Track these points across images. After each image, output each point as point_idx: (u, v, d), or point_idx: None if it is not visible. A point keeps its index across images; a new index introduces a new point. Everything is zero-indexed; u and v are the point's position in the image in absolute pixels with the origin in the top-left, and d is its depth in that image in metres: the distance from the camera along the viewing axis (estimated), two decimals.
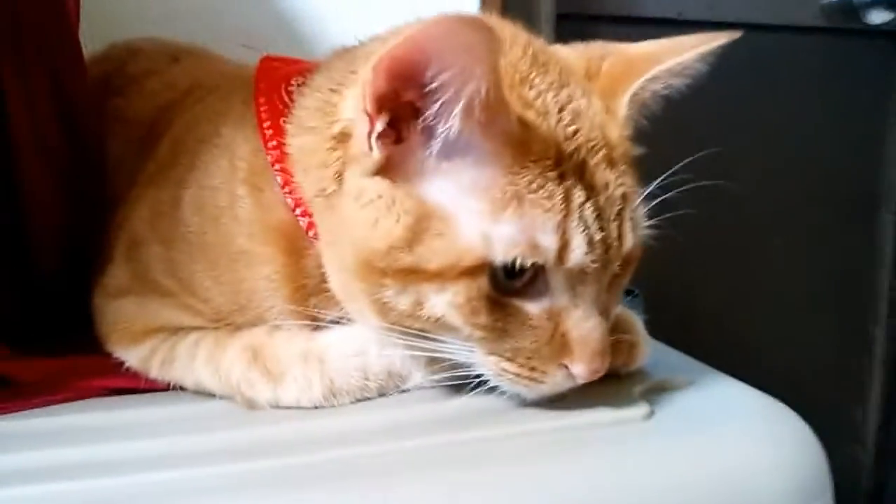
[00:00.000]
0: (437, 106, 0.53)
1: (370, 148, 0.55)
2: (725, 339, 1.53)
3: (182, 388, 0.67)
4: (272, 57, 0.72)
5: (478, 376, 0.60)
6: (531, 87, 0.58)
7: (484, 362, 0.59)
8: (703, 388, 0.67)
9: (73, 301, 0.75)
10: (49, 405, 0.66)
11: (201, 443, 0.58)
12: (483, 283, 0.55)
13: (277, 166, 0.63)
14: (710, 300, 1.63)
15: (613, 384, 0.65)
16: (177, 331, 0.68)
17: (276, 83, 0.67)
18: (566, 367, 0.58)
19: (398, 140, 0.55)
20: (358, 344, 0.63)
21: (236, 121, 0.68)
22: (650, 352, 0.69)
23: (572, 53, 0.66)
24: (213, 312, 0.67)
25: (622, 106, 0.62)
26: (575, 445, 0.58)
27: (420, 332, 0.58)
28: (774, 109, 1.63)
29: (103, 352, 0.70)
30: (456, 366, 0.60)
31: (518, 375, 0.58)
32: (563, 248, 0.55)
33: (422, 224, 0.54)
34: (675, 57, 0.62)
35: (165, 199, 0.69)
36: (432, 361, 0.63)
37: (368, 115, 0.54)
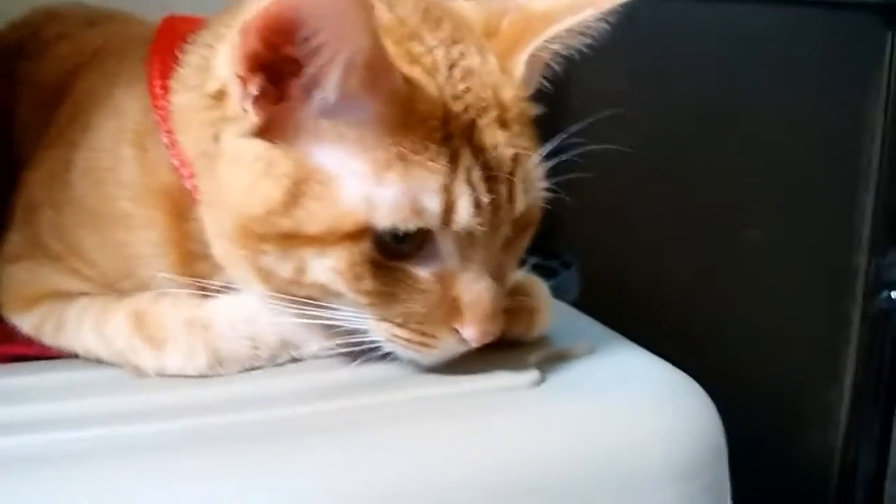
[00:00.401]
0: (313, 67, 0.52)
1: (244, 110, 0.53)
2: (697, 318, 1.52)
3: (75, 356, 0.66)
4: (176, 16, 0.71)
5: (372, 342, 0.59)
6: (420, 43, 0.56)
7: (376, 328, 0.57)
8: (603, 356, 0.66)
9: None
10: None
11: (88, 406, 0.57)
12: (366, 247, 0.53)
13: (164, 126, 0.61)
14: (679, 277, 1.62)
15: (510, 352, 0.63)
16: (67, 296, 0.67)
17: (172, 41, 0.65)
18: (457, 330, 0.57)
19: (278, 99, 0.54)
20: (247, 311, 0.62)
21: (129, 80, 0.66)
22: (552, 319, 0.68)
23: (472, 10, 0.64)
24: (101, 278, 0.65)
25: (518, 66, 0.60)
26: (457, 412, 0.57)
27: (309, 300, 0.57)
28: (756, 84, 1.59)
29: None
30: (349, 332, 0.59)
31: (409, 341, 0.57)
32: (449, 210, 0.53)
33: (301, 187, 0.53)
34: (574, 16, 0.60)
35: (59, 162, 0.68)
36: (327, 329, 0.61)
37: (240, 77, 0.52)
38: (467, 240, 0.55)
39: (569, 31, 0.60)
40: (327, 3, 0.48)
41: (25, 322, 0.67)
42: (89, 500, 0.47)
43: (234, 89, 0.53)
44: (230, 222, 0.55)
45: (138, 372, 0.62)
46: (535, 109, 0.62)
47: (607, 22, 0.61)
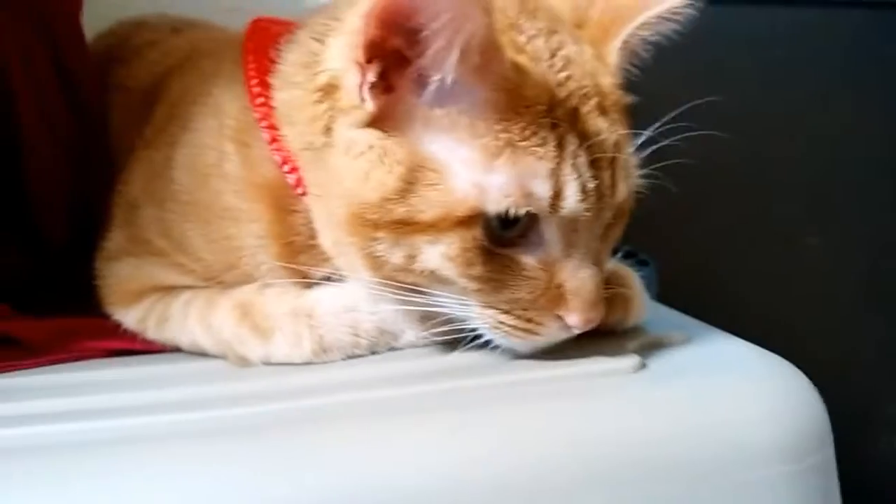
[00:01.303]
0: (431, 52, 0.52)
1: (362, 99, 0.55)
2: (764, 326, 1.50)
3: (178, 350, 0.68)
4: (263, 18, 0.73)
5: (472, 331, 0.60)
6: (521, 32, 0.57)
7: (480, 315, 0.58)
8: (700, 344, 0.66)
9: (82, 268, 0.76)
10: (52, 364, 0.67)
11: (196, 392, 0.59)
12: (477, 233, 0.54)
13: (265, 122, 0.63)
14: (751, 286, 1.60)
15: (607, 339, 0.64)
16: (170, 290, 0.69)
17: (264, 42, 0.67)
18: (561, 317, 0.57)
19: (387, 89, 0.55)
20: (348, 300, 0.63)
21: (226, 80, 0.68)
22: (647, 309, 0.68)
23: (559, 1, 0.65)
24: (205, 271, 0.67)
25: (612, 54, 0.61)
26: (561, 395, 0.57)
27: (414, 287, 0.58)
28: (809, 87, 1.56)
29: (104, 314, 0.71)
30: (449, 321, 0.60)
31: (514, 328, 0.58)
32: (557, 195, 0.54)
33: (415, 174, 0.54)
34: (663, 2, 0.60)
35: (159, 161, 0.70)
36: (425, 318, 0.62)
37: (359, 64, 0.54)
38: (571, 227, 0.56)
39: (658, 17, 0.61)
40: None
41: (130, 316, 0.69)
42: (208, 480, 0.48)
43: (351, 78, 0.54)
44: (343, 210, 0.56)
45: (244, 362, 0.63)
46: (627, 98, 0.62)
47: (694, 7, 0.61)
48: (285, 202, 0.64)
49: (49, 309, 0.73)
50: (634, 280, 0.68)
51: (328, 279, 0.65)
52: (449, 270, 0.55)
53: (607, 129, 0.57)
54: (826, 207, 1.61)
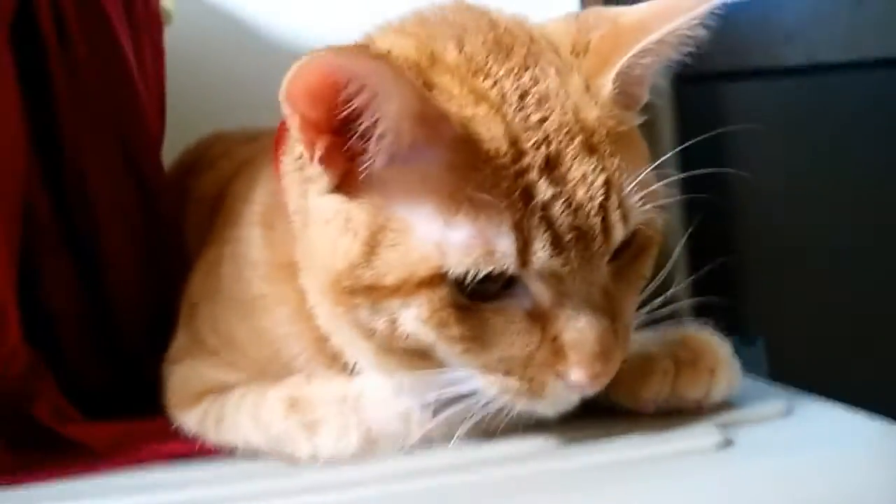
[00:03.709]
0: (365, 124, 0.50)
1: (316, 170, 0.53)
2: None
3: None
4: None
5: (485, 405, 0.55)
6: (486, 77, 0.53)
7: (484, 383, 0.53)
8: (798, 416, 0.57)
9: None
10: (113, 468, 0.66)
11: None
12: (444, 293, 0.50)
13: (284, 198, 0.62)
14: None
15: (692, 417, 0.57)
16: (226, 389, 0.67)
17: None
18: (565, 375, 0.51)
19: (351, 154, 0.52)
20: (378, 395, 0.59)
21: (261, 169, 0.69)
22: (737, 380, 0.60)
23: (559, 28, 0.59)
24: (253, 365, 0.65)
25: (605, 85, 0.54)
26: (626, 479, 0.51)
27: (418, 360, 0.54)
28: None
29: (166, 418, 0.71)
30: (465, 397, 0.55)
31: (518, 390, 0.52)
32: (524, 249, 0.49)
33: (377, 237, 0.51)
34: (667, 24, 0.54)
35: (212, 259, 0.70)
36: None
37: (302, 141, 0.52)
38: (555, 277, 0.50)
39: (660, 42, 0.54)
40: (357, 68, 0.47)
41: (190, 419, 0.68)
42: None
43: (306, 151, 0.53)
44: (323, 279, 0.54)
45: (293, 459, 0.60)
46: (632, 125, 0.57)
47: (705, 27, 0.55)
48: None
49: (119, 412, 0.74)
50: (719, 347, 0.60)
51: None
52: (426, 334, 0.51)
53: (594, 169, 0.51)
54: None
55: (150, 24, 0.90)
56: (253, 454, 0.64)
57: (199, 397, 0.68)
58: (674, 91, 1.31)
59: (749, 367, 0.78)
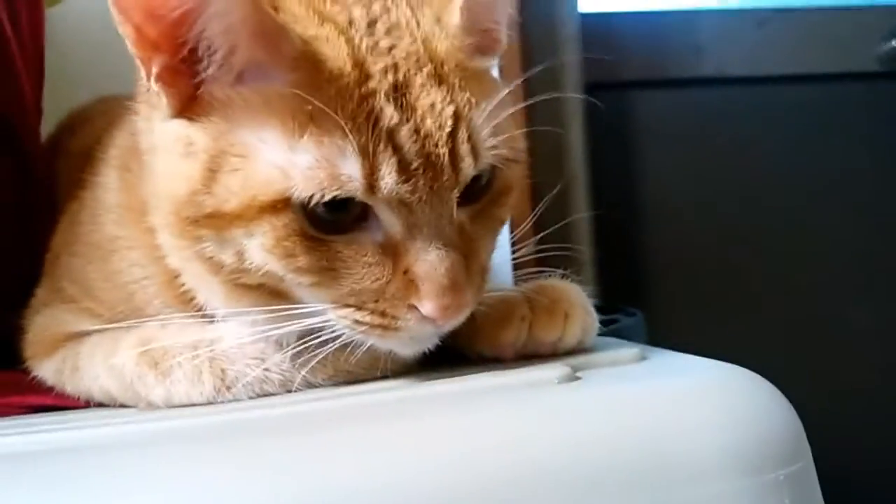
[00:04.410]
0: (204, 39, 0.49)
1: (156, 91, 0.51)
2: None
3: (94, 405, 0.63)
4: None
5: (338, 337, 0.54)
6: (334, 4, 0.53)
7: (336, 316, 0.53)
8: (652, 361, 0.59)
9: None
10: None
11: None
12: (289, 219, 0.49)
13: None
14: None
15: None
16: (82, 337, 0.65)
17: None
18: (416, 307, 0.51)
19: (191, 75, 0.51)
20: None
21: (123, 114, 0.66)
22: (593, 326, 0.61)
23: None
24: (108, 312, 0.63)
25: (453, 14, 0.55)
26: (489, 403, 0.51)
27: (270, 297, 0.53)
28: (829, 159, 1.59)
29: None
30: (314, 331, 0.54)
31: (370, 325, 0.52)
32: (371, 175, 0.48)
33: (217, 161, 0.50)
34: None
35: (74, 209, 0.69)
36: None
37: (139, 58, 0.50)
38: (406, 207, 0.50)
39: None
40: None
41: (47, 369, 0.66)
42: None
43: (142, 69, 0.51)
44: (165, 211, 0.53)
45: (149, 406, 0.58)
46: (487, 66, 0.57)
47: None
48: None
49: None
50: (573, 292, 0.61)
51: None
52: (273, 264, 0.50)
53: (442, 99, 0.51)
54: None
55: None
56: (111, 402, 0.61)
57: (56, 346, 0.66)
58: (585, 98, 1.34)
59: (628, 334, 0.80)
